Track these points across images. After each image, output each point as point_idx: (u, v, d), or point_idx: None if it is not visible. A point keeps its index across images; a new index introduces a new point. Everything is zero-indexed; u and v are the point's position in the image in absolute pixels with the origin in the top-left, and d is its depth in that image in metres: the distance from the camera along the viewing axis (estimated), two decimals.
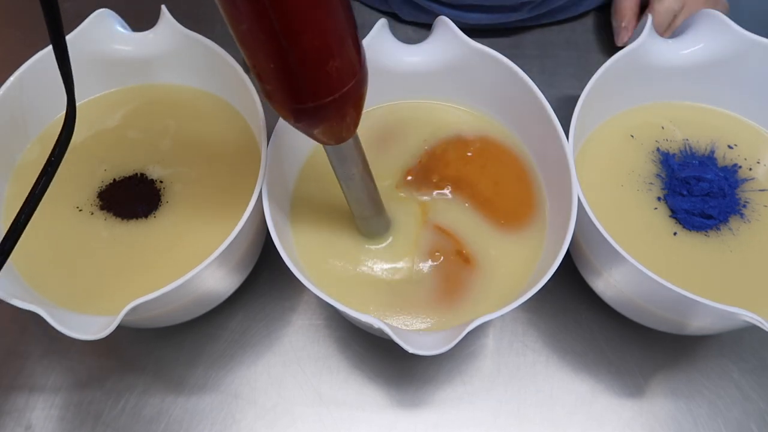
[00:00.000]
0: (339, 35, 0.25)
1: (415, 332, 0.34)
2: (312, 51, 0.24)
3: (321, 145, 0.43)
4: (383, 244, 0.40)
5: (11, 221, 0.30)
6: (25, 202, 0.28)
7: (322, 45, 0.24)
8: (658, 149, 0.44)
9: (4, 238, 0.28)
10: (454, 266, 0.39)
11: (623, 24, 0.53)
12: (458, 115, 0.45)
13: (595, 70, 0.40)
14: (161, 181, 0.42)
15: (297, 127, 0.29)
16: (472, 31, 0.42)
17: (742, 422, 0.41)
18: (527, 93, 0.39)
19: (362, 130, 0.40)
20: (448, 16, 0.41)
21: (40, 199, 0.28)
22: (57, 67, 0.42)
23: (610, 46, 0.56)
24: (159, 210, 0.41)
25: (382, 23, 0.41)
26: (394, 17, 0.58)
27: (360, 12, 0.58)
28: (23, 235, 0.39)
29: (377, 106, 0.45)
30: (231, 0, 0.23)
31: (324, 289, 0.33)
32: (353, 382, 0.42)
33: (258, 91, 0.39)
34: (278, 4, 0.22)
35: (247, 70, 0.26)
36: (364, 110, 0.45)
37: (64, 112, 0.44)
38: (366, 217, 0.37)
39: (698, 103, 0.46)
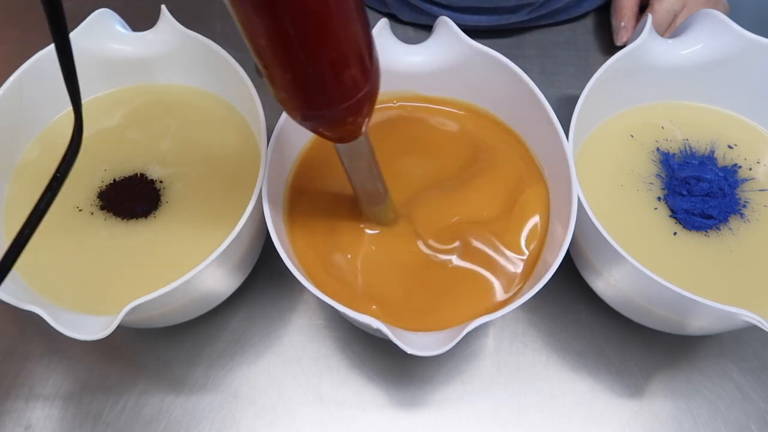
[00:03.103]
0: (356, 45, 0.25)
1: (414, 333, 0.34)
2: (330, 63, 0.24)
3: (320, 145, 0.43)
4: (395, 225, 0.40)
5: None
6: (28, 216, 0.27)
7: (339, 57, 0.24)
8: (658, 149, 0.44)
9: (5, 254, 0.27)
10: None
11: (622, 24, 0.53)
12: (458, 114, 0.45)
13: (595, 70, 0.40)
14: (161, 181, 0.42)
15: (310, 129, 0.29)
16: (472, 32, 0.42)
17: (742, 422, 0.41)
18: (527, 93, 0.40)
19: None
20: None
21: (44, 213, 0.28)
22: (57, 66, 0.42)
23: (610, 46, 0.56)
24: (159, 210, 0.41)
25: (383, 23, 0.41)
26: (393, 18, 0.58)
27: None
28: None
29: (376, 105, 0.45)
30: (249, 16, 0.22)
31: (323, 289, 0.33)
32: (353, 382, 0.42)
33: (262, 92, 0.40)
34: (298, 21, 0.22)
35: (260, 75, 0.26)
36: None
37: (64, 112, 0.44)
38: (372, 205, 0.38)
39: (698, 103, 0.46)
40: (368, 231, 0.40)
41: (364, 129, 0.30)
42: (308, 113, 0.27)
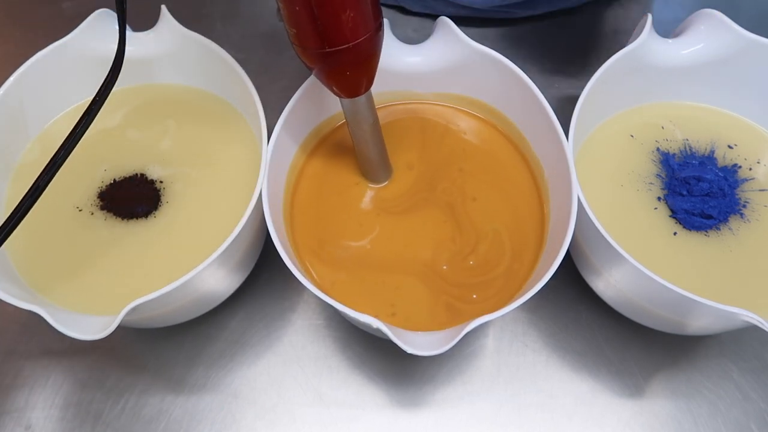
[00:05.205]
0: None
1: (414, 332, 0.34)
2: (333, 4, 0.29)
3: (320, 146, 0.44)
4: (383, 184, 0.42)
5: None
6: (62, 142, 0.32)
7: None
8: (658, 149, 0.44)
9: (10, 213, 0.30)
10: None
11: None
12: (458, 115, 0.45)
13: (595, 70, 0.40)
14: (161, 181, 0.42)
15: (317, 75, 0.34)
16: (470, 28, 0.42)
17: (742, 422, 0.41)
18: (527, 93, 0.40)
19: None
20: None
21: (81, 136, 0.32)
22: (57, 66, 0.42)
23: (610, 46, 0.56)
24: (159, 210, 0.41)
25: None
26: (400, 10, 0.58)
27: None
28: (23, 236, 0.39)
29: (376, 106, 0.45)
30: None
31: (324, 289, 0.33)
32: (353, 382, 0.42)
33: (262, 92, 0.40)
34: None
35: (280, 19, 0.32)
36: None
37: (64, 112, 0.45)
38: (370, 162, 0.40)
39: (698, 103, 0.46)
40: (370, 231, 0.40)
41: (365, 86, 0.34)
42: (312, 51, 0.31)
